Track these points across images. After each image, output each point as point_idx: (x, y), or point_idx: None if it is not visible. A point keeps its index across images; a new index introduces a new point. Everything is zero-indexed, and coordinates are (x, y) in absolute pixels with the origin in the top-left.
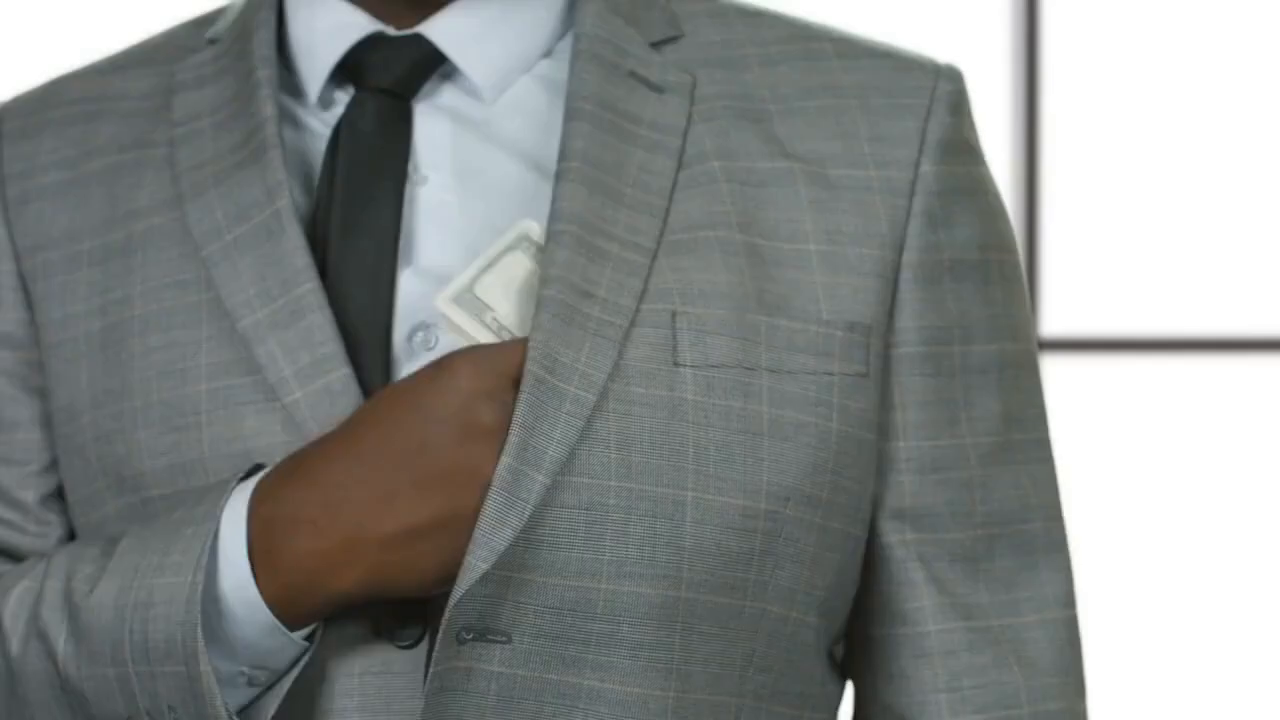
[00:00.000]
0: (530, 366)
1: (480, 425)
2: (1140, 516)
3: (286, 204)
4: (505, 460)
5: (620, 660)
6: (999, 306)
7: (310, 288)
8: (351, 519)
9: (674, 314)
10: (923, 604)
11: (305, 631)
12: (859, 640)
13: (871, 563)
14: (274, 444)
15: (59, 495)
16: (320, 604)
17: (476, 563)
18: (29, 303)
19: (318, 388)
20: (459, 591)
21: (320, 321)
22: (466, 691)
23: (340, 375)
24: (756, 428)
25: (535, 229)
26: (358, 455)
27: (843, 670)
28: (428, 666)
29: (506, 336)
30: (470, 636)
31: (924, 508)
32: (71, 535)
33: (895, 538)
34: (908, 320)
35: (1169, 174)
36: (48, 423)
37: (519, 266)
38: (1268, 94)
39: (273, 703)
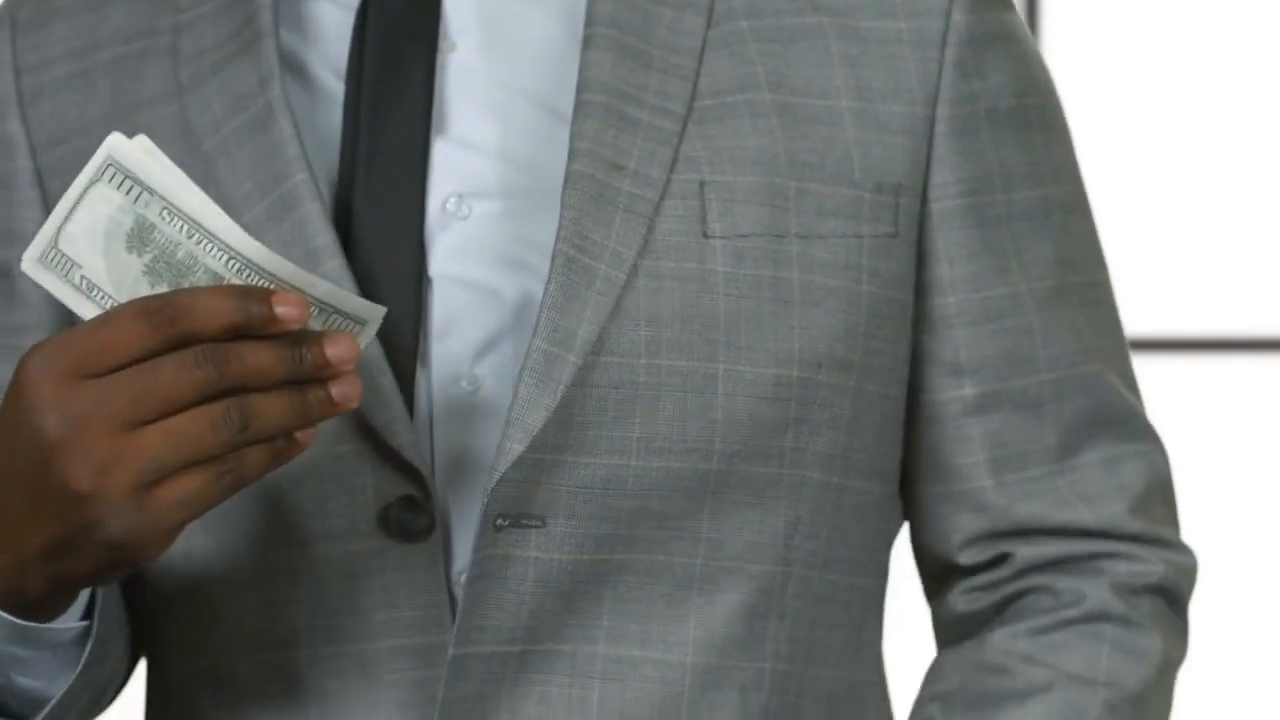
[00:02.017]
0: (560, 245)
1: (45, 442)
2: None
3: (278, 94)
4: (537, 343)
5: (648, 531)
6: (1039, 151)
7: (301, 179)
8: (8, 549)
9: (702, 184)
10: (978, 459)
11: (76, 619)
12: (912, 500)
13: (924, 421)
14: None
15: None
16: (36, 595)
17: (511, 445)
18: (45, 200)
19: None
20: (495, 477)
21: (312, 213)
22: (504, 578)
23: (332, 266)
24: (787, 295)
25: (119, 147)
26: (37, 416)
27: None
28: (447, 557)
29: (99, 297)
30: (506, 523)
31: (981, 359)
32: None
33: (950, 394)
34: (946, 174)
35: (1168, 174)
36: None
37: (104, 204)
38: (1267, 94)
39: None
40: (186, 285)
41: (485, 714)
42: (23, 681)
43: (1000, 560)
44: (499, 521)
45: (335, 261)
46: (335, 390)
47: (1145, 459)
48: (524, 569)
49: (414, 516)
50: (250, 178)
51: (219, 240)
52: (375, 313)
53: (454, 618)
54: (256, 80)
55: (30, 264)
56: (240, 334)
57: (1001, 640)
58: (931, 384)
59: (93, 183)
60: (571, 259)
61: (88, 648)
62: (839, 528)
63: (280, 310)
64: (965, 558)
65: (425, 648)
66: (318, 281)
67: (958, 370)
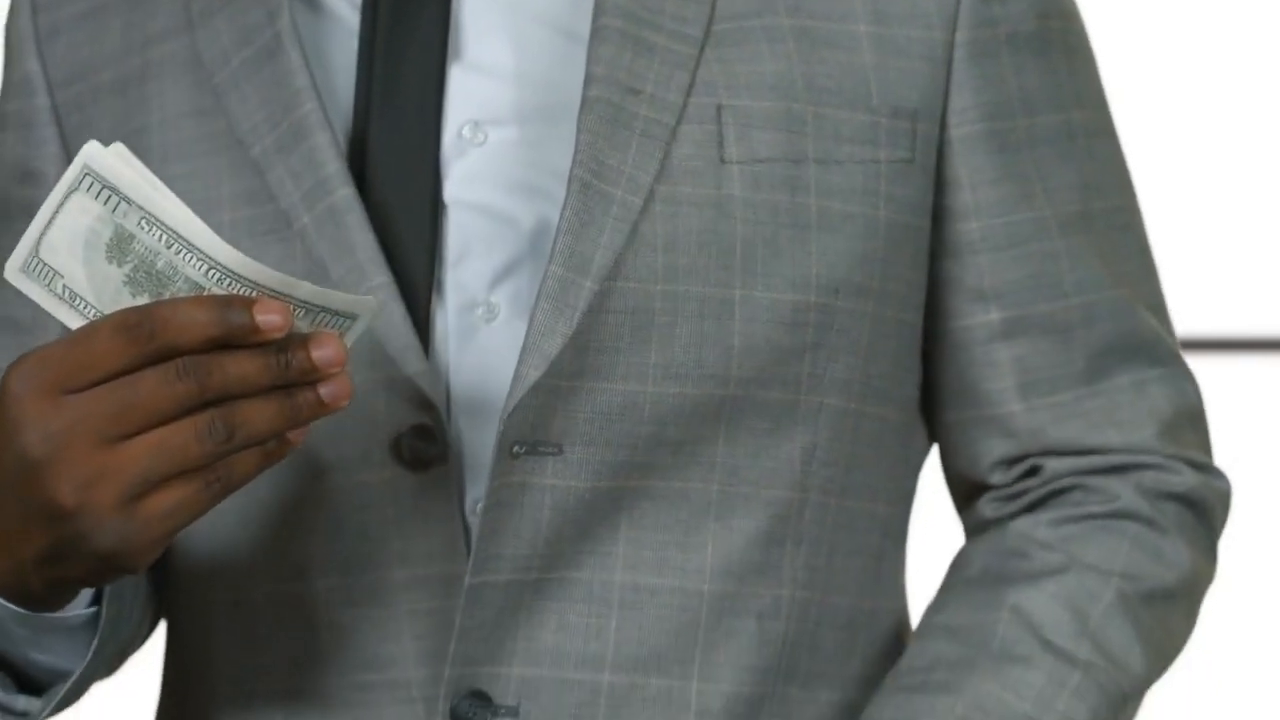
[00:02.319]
0: (576, 170)
1: (29, 459)
2: None
3: (286, 24)
4: (553, 269)
5: (664, 458)
6: (1062, 75)
7: (310, 108)
8: (5, 553)
9: (719, 108)
10: (1006, 384)
11: (81, 607)
12: (941, 426)
13: (950, 347)
14: (295, 272)
15: None
16: (38, 594)
17: (528, 371)
18: (63, 137)
19: (321, 210)
20: (511, 404)
21: (322, 142)
22: (521, 506)
23: (342, 195)
24: (804, 221)
25: (97, 156)
26: (20, 434)
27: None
28: (461, 486)
29: (82, 306)
30: (522, 450)
31: (1006, 285)
32: None
33: (977, 319)
34: (966, 99)
35: (1168, 174)
36: None
37: (83, 213)
38: (1267, 94)
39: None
40: (167, 295)
41: (502, 642)
42: (39, 658)
43: (1031, 473)
44: (515, 449)
45: (345, 190)
46: (324, 391)
47: (1173, 384)
48: (540, 497)
49: (427, 445)
50: (260, 109)
51: (197, 250)
52: (365, 306)
53: (469, 547)
54: (265, 12)
55: (13, 273)
56: (223, 344)
57: (1023, 527)
58: (957, 310)
59: (71, 191)
60: (587, 184)
61: (99, 630)
62: (857, 454)
63: (261, 319)
64: (996, 478)
65: (441, 577)
66: (300, 284)
67: (982, 296)
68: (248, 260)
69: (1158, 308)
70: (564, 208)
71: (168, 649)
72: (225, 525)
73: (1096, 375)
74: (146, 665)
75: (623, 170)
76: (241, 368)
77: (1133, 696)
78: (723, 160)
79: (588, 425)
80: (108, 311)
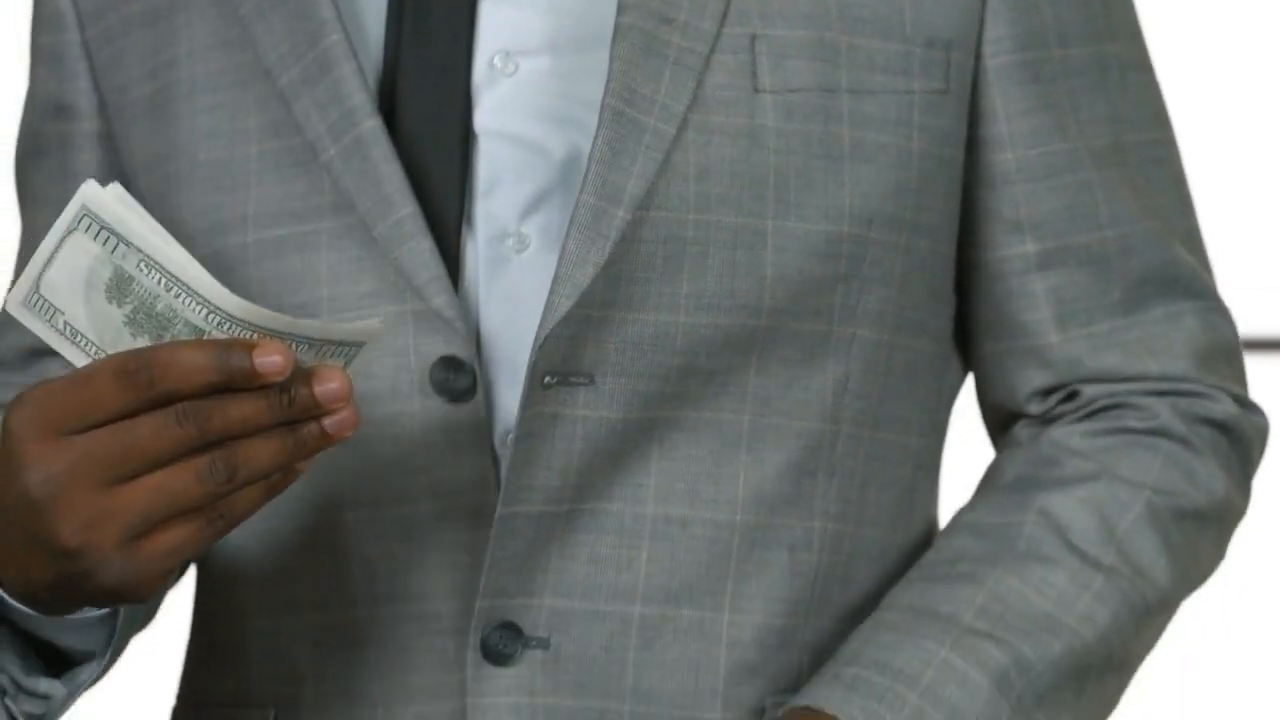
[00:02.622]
0: (609, 99)
1: (31, 500)
2: None
3: None
4: (585, 198)
5: (695, 388)
6: (1096, 7)
7: (335, 39)
8: (15, 571)
9: (753, 37)
10: (1043, 315)
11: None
12: (977, 358)
13: (986, 279)
14: (322, 205)
15: None
16: (51, 607)
17: (559, 301)
18: (94, 71)
19: (348, 142)
20: (542, 334)
21: (347, 73)
22: (553, 437)
23: (369, 127)
24: (837, 151)
25: (95, 197)
26: (21, 475)
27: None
28: (492, 418)
29: (84, 344)
30: (553, 381)
31: (1041, 215)
32: None
33: (1013, 250)
34: (1001, 29)
35: None
36: None
37: (82, 253)
38: (1267, 93)
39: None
40: (168, 337)
41: (533, 574)
42: (64, 639)
43: (1068, 399)
44: (546, 379)
45: (371, 122)
46: (329, 423)
47: (1208, 318)
48: (572, 428)
49: (456, 377)
50: (286, 40)
51: (197, 294)
52: (370, 332)
53: (499, 479)
54: None
55: (14, 306)
56: (224, 388)
57: (1057, 436)
58: (992, 241)
59: (70, 231)
60: (620, 113)
61: (117, 625)
62: (890, 386)
63: (261, 362)
64: (1033, 408)
65: (471, 509)
66: (303, 322)
67: (1018, 227)
68: (247, 304)
69: (1193, 242)
70: (596, 136)
71: (198, 585)
72: None
73: (1132, 307)
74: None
75: (655, 99)
76: (243, 410)
77: (1156, 610)
78: (756, 90)
79: (619, 356)
80: (109, 350)
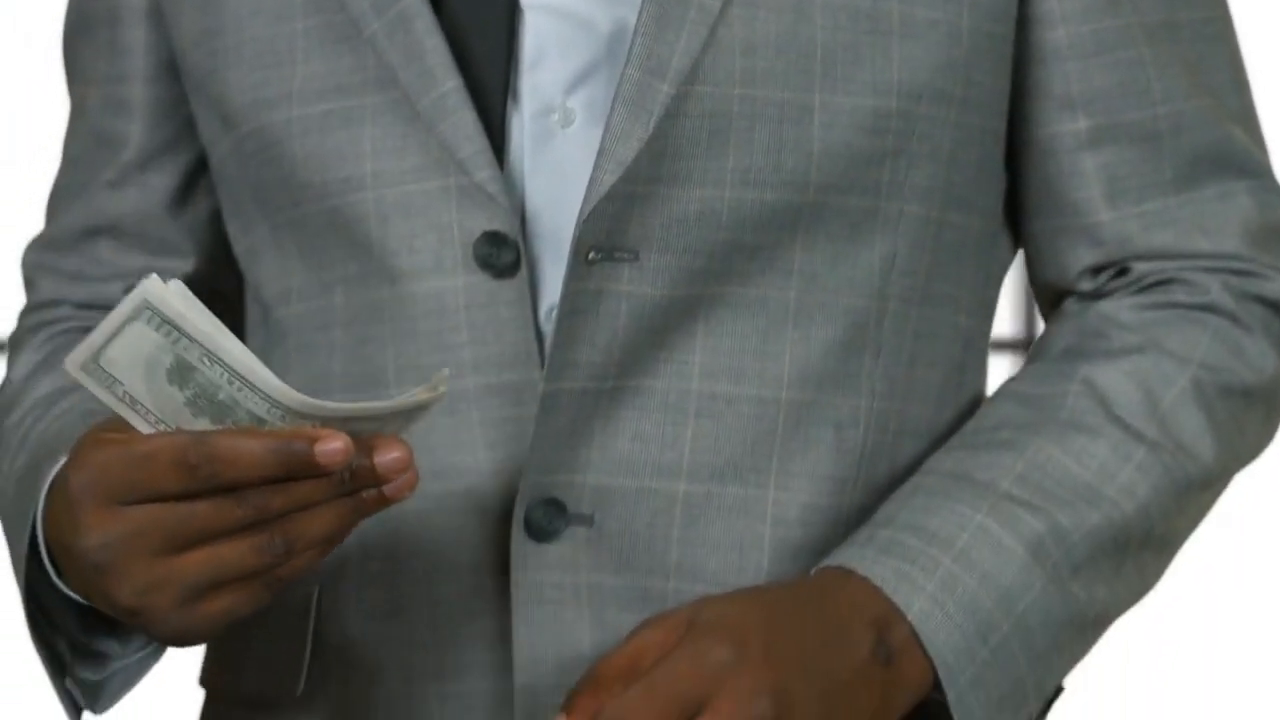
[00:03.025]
0: None
1: (89, 563)
2: None
3: None
4: (629, 72)
5: (741, 265)
6: None
7: None
8: (93, 587)
9: None
10: (1094, 193)
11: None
12: (1028, 235)
13: (1037, 156)
14: (366, 80)
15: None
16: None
17: (603, 177)
18: None
19: (392, 16)
20: (586, 210)
21: None
22: (596, 314)
23: (412, 1)
24: (886, 27)
25: (156, 293)
26: (80, 538)
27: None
28: (535, 294)
29: (144, 412)
30: (598, 257)
31: (1093, 92)
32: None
33: (1064, 127)
34: None
35: None
36: (171, 68)
37: (143, 340)
38: (1267, 94)
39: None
40: (229, 422)
41: (577, 451)
42: None
43: (1119, 274)
44: (591, 255)
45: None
46: (389, 488)
47: (1260, 196)
48: (616, 304)
49: (500, 252)
50: None
51: (258, 390)
52: (433, 398)
53: (543, 355)
54: None
55: (74, 369)
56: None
57: (1106, 309)
58: (1043, 118)
59: (130, 320)
60: None
61: None
62: (938, 263)
63: (322, 450)
64: (1083, 285)
65: (514, 385)
66: (366, 406)
67: (1069, 104)
68: (310, 400)
69: (1247, 121)
70: (641, 10)
71: None
72: (302, 333)
73: (1184, 184)
74: None
75: None
76: (304, 491)
77: (1199, 485)
78: None
79: (664, 231)
80: (169, 422)
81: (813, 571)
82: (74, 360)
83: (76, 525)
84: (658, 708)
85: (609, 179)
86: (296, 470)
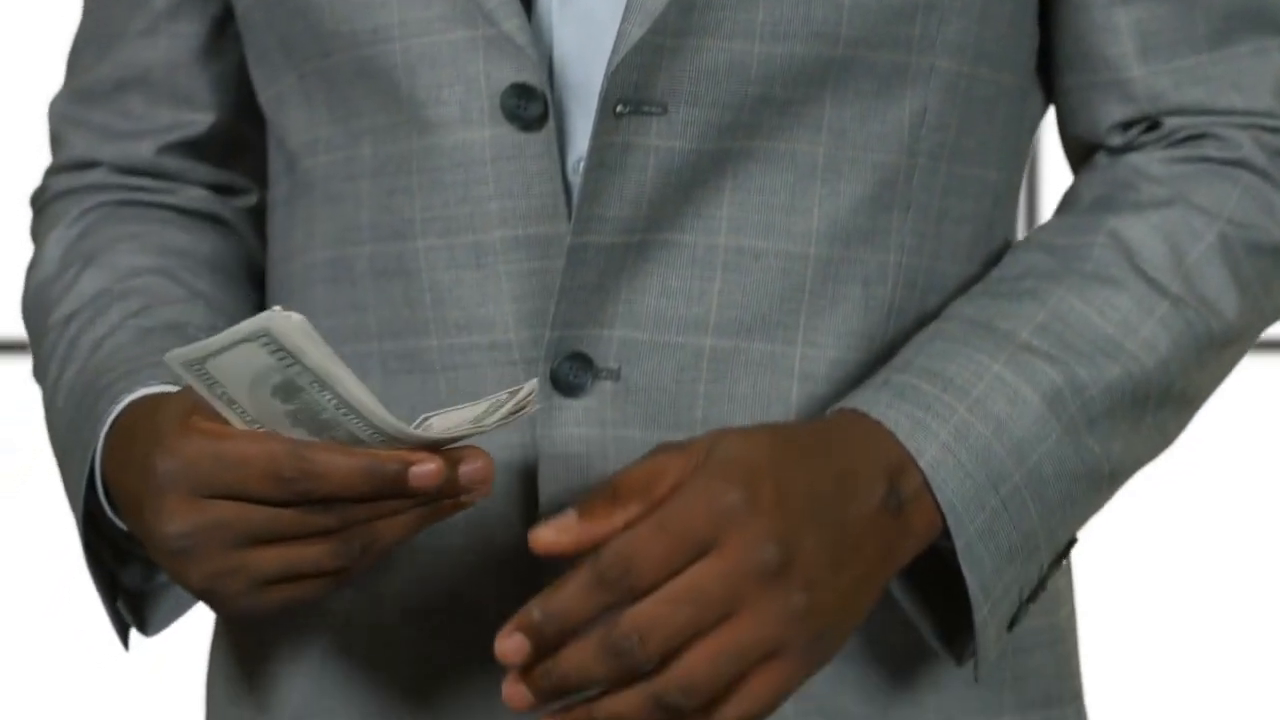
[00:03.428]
0: None
1: (167, 547)
2: (1142, 515)
3: None
4: None
5: (770, 119)
6: None
7: None
8: (166, 566)
9: None
10: (1126, 48)
11: None
12: (1059, 91)
13: (1068, 10)
14: None
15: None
16: None
17: (631, 29)
18: None
19: None
20: (614, 62)
21: None
22: (624, 167)
23: None
24: None
25: (278, 325)
26: (162, 524)
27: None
28: (564, 147)
29: (240, 413)
30: (626, 110)
31: None
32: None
33: None
34: None
35: None
36: None
37: (255, 358)
38: None
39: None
40: (326, 437)
41: (603, 305)
42: None
43: (1151, 129)
44: (619, 108)
45: None
46: (467, 497)
47: None
48: (644, 157)
49: (528, 104)
50: None
51: (366, 420)
52: (525, 414)
53: (570, 208)
54: None
55: (175, 363)
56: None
57: (1135, 160)
58: None
59: (244, 341)
60: None
61: None
62: (969, 119)
63: (415, 476)
64: (1114, 140)
65: (541, 238)
66: (465, 426)
67: None
68: (413, 432)
69: None
70: None
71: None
72: (330, 183)
73: (1217, 41)
74: None
75: None
76: (390, 505)
77: (1222, 342)
78: None
79: (693, 84)
80: (264, 425)
81: (828, 412)
82: (177, 356)
83: (159, 511)
84: (666, 546)
85: (637, 31)
86: (388, 491)
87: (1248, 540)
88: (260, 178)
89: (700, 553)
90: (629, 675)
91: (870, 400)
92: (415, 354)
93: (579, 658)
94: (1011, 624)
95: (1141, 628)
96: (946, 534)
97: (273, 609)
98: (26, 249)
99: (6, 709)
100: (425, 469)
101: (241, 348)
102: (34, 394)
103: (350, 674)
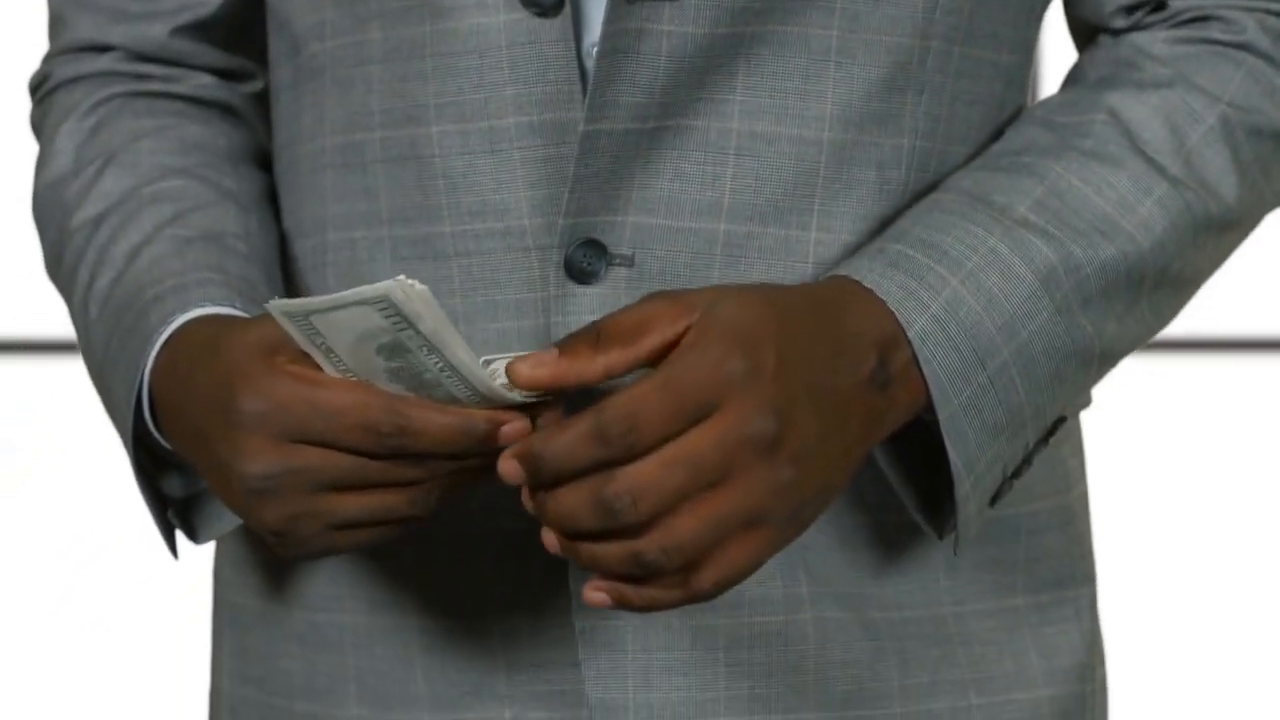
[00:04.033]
0: None
1: (245, 487)
2: (1142, 514)
3: None
4: None
5: (783, 2)
6: None
7: None
8: (239, 505)
9: None
10: None
11: None
12: None
13: None
14: None
15: None
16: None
17: None
18: None
19: None
20: None
21: None
22: (637, 53)
23: None
24: None
25: (400, 295)
26: (243, 463)
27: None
28: (578, 32)
29: (337, 363)
30: None
31: None
32: None
33: None
34: None
35: None
36: None
37: (365, 319)
38: None
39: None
40: (423, 394)
41: (617, 191)
42: None
43: (1155, 10)
44: None
45: None
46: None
47: None
48: (657, 43)
49: None
50: None
51: (470, 384)
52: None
53: (585, 94)
54: None
55: (276, 313)
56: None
57: (1139, 40)
58: None
59: (360, 303)
60: None
61: None
62: (981, 1)
63: (505, 435)
64: (1119, 22)
65: (555, 124)
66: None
67: None
68: (510, 395)
69: None
70: None
71: (281, 206)
72: (341, 67)
73: None
74: None
75: None
76: (473, 460)
77: (1219, 226)
78: None
79: None
80: (360, 376)
81: (822, 279)
82: (278, 307)
83: (241, 450)
84: (670, 407)
85: None
86: (476, 449)
87: (1248, 540)
88: (265, 62)
89: (701, 417)
90: (615, 531)
91: (864, 268)
92: (428, 240)
93: (569, 504)
94: (994, 500)
95: (1142, 627)
96: (931, 408)
97: (341, 552)
98: (27, 249)
99: (6, 709)
100: (515, 427)
101: (354, 310)
102: (34, 394)
103: (359, 563)
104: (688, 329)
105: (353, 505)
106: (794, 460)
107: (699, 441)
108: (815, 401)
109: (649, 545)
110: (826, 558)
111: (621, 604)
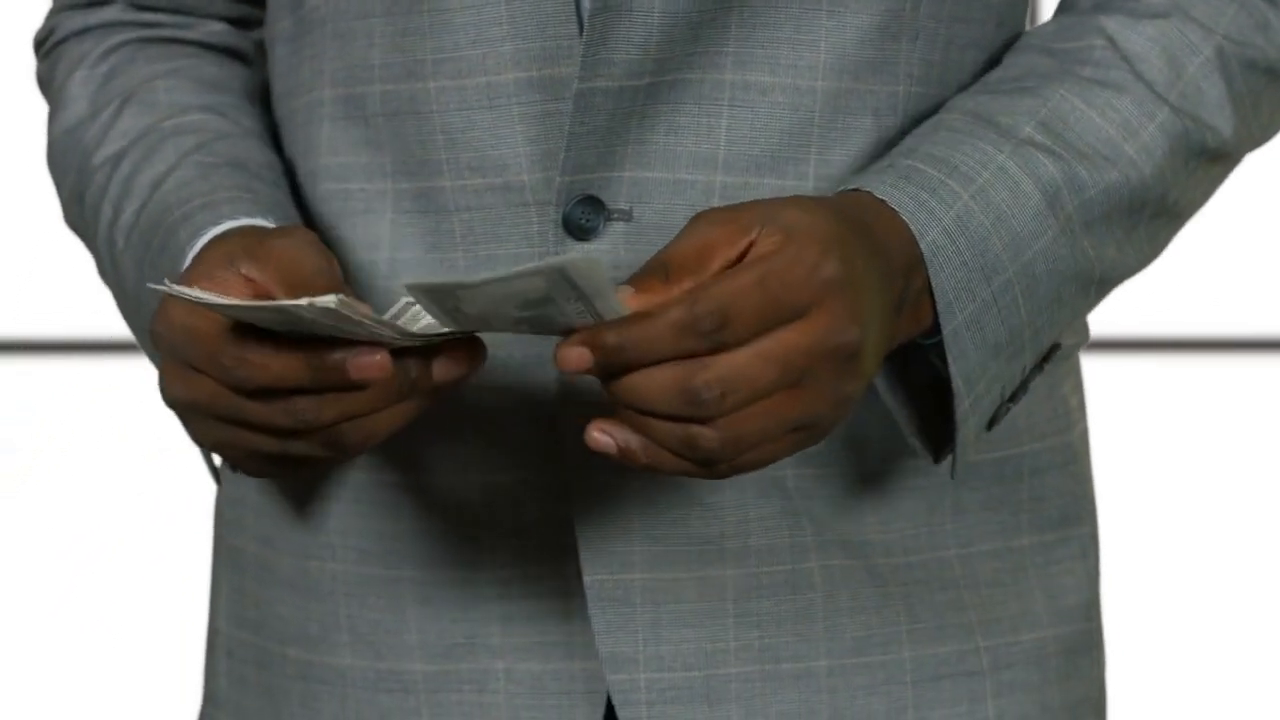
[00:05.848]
0: None
1: (170, 405)
2: (1141, 514)
3: None
4: None
5: None
6: None
7: None
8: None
9: None
10: None
11: None
12: None
13: None
14: None
15: None
16: None
17: None
18: None
19: None
20: None
21: None
22: (631, 11)
23: None
24: None
25: (572, 267)
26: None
27: None
28: None
29: (458, 317)
30: None
31: None
32: None
33: None
34: None
35: None
36: None
37: (526, 286)
38: None
39: None
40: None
41: (613, 147)
42: None
43: None
44: None
45: None
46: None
47: None
48: (649, 0)
49: None
50: None
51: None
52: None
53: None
54: None
55: (416, 289)
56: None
57: None
58: None
59: (527, 277)
60: None
61: None
62: None
63: (355, 366)
64: None
65: (554, 80)
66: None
67: None
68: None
69: None
70: None
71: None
72: (340, 20)
73: None
74: None
75: None
76: (357, 403)
77: (1213, 157)
78: None
79: None
80: (486, 324)
81: (835, 193)
82: (417, 280)
83: (162, 372)
84: (766, 304)
85: None
86: (329, 383)
87: (1248, 540)
88: None
89: (792, 318)
90: (692, 417)
91: (875, 181)
92: (429, 194)
93: (653, 388)
94: (991, 423)
95: (1140, 628)
96: (931, 331)
97: (282, 479)
98: (27, 249)
99: (6, 709)
100: (365, 360)
101: (517, 282)
102: (34, 394)
103: (351, 511)
104: (750, 244)
105: (263, 443)
106: (861, 374)
107: (793, 342)
108: (878, 317)
109: (711, 434)
110: (831, 505)
111: (624, 454)
